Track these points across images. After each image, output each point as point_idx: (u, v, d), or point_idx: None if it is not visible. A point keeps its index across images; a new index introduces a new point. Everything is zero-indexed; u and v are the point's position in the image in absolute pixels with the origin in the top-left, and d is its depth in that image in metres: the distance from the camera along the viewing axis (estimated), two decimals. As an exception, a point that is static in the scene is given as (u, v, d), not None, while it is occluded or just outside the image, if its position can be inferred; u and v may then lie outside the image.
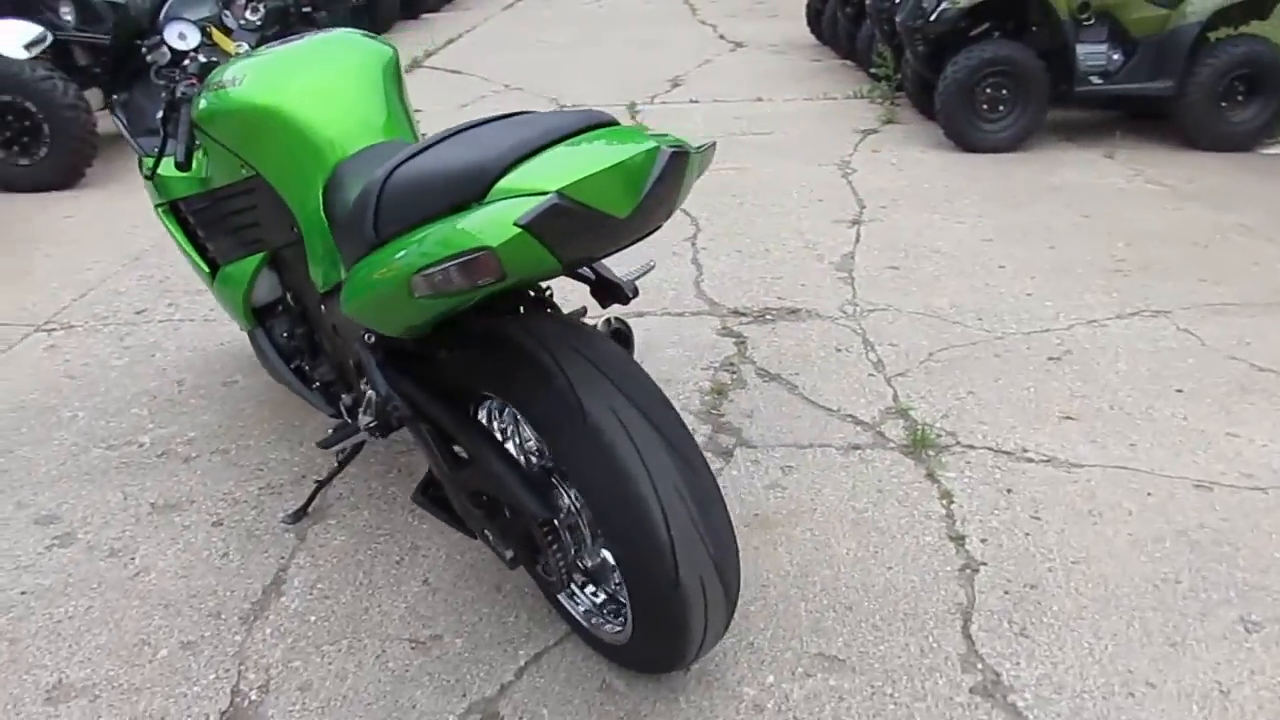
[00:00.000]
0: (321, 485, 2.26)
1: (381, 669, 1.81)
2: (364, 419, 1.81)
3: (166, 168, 2.23)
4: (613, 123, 1.43)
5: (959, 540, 2.13)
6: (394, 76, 2.09)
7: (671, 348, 3.06)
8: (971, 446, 2.49)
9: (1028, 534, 2.14)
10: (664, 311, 3.33)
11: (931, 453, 2.46)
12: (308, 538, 2.20)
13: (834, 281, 3.53)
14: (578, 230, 1.25)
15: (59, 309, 3.47)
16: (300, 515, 2.24)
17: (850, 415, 2.65)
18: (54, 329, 3.32)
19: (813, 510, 2.25)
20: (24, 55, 4.06)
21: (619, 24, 10.34)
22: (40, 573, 2.11)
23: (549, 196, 1.21)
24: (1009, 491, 2.29)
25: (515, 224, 1.22)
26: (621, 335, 1.92)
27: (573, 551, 1.67)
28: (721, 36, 9.24)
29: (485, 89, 7.22)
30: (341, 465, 2.23)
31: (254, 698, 1.76)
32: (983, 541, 2.12)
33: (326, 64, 1.99)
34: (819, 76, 7.20)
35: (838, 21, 7.45)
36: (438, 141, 1.49)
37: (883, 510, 2.24)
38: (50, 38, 4.54)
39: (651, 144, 1.27)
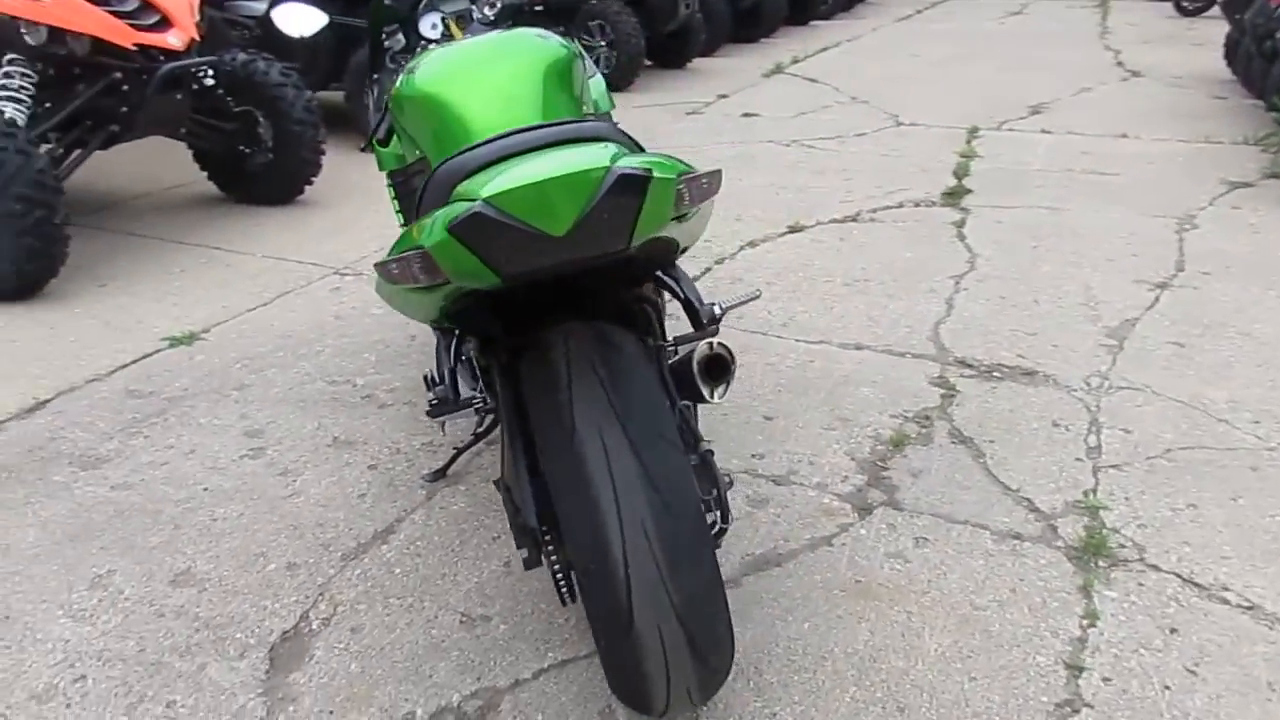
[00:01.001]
0: (460, 452, 2.41)
1: (424, 634, 1.91)
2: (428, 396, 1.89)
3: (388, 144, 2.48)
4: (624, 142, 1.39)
5: (1076, 670, 1.80)
6: (561, 73, 2.14)
7: (869, 387, 2.86)
8: (1156, 568, 2.08)
9: (1168, 688, 1.76)
10: (884, 347, 3.12)
11: (1102, 563, 2.09)
12: (434, 498, 2.35)
13: (1095, 348, 3.09)
14: (507, 242, 1.22)
15: (359, 257, 3.98)
16: (438, 476, 2.40)
17: (1027, 499, 2.32)
18: (346, 274, 3.81)
19: (924, 593, 2.01)
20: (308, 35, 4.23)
21: (1011, 43, 9.69)
22: (225, 476, 2.46)
23: (474, 204, 1.20)
24: (1172, 631, 1.89)
25: (445, 228, 1.22)
26: (713, 362, 1.83)
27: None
28: (1119, 64, 8.34)
29: (831, 99, 7.13)
30: (478, 437, 2.35)
31: (314, 627, 1.94)
32: (1105, 681, 1.78)
33: (494, 58, 2.08)
34: (1211, 116, 6.27)
35: (1251, 55, 6.42)
36: (495, 139, 1.52)
37: (1005, 613, 1.95)
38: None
39: (604, 163, 1.21)
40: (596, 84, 2.45)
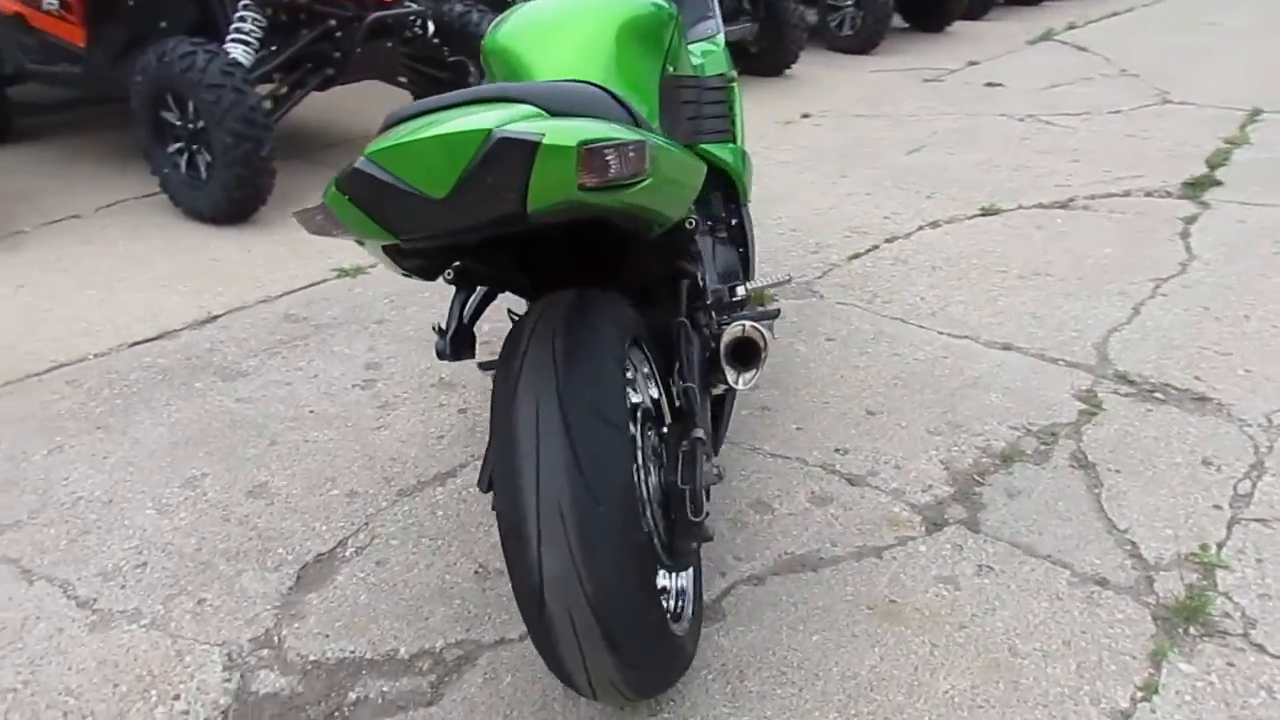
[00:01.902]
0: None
1: (438, 577, 1.96)
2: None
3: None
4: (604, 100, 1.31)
5: (1103, 746, 1.56)
6: (644, 35, 2.06)
7: (999, 393, 2.59)
8: (1261, 649, 1.74)
9: (1210, 789, 1.48)
10: (1036, 351, 2.81)
11: (1193, 631, 1.78)
12: (504, 448, 2.40)
13: (1297, 380, 2.61)
14: (391, 201, 1.18)
15: (534, 207, 4.09)
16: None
17: (1131, 543, 2.02)
18: (516, 222, 3.93)
19: (960, 627, 1.81)
20: None
21: (1345, 13, 8.29)
22: (332, 402, 2.63)
23: (358, 160, 1.18)
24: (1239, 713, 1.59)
25: (335, 183, 1.21)
26: (742, 346, 1.72)
27: None
28: None
29: (1095, 70, 6.44)
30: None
31: (347, 554, 2.04)
32: (1134, 764, 1.53)
33: (577, 16, 2.04)
34: None
35: None
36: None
37: (1046, 667, 1.71)
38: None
39: (487, 126, 1.14)
40: (705, 47, 2.35)
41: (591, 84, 1.44)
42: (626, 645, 1.39)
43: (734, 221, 2.34)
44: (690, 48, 2.32)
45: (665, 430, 1.70)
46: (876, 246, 3.61)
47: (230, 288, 3.33)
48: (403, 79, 4.61)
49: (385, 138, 1.17)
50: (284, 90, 4.15)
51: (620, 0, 2.02)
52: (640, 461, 1.52)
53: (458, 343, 1.71)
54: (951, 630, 1.80)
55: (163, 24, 4.08)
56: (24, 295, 3.32)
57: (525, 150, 1.10)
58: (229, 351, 2.92)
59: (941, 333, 2.93)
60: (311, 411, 2.58)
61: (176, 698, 1.68)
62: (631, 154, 1.20)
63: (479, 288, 1.82)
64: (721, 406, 1.90)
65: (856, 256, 3.52)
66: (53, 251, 3.68)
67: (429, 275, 1.53)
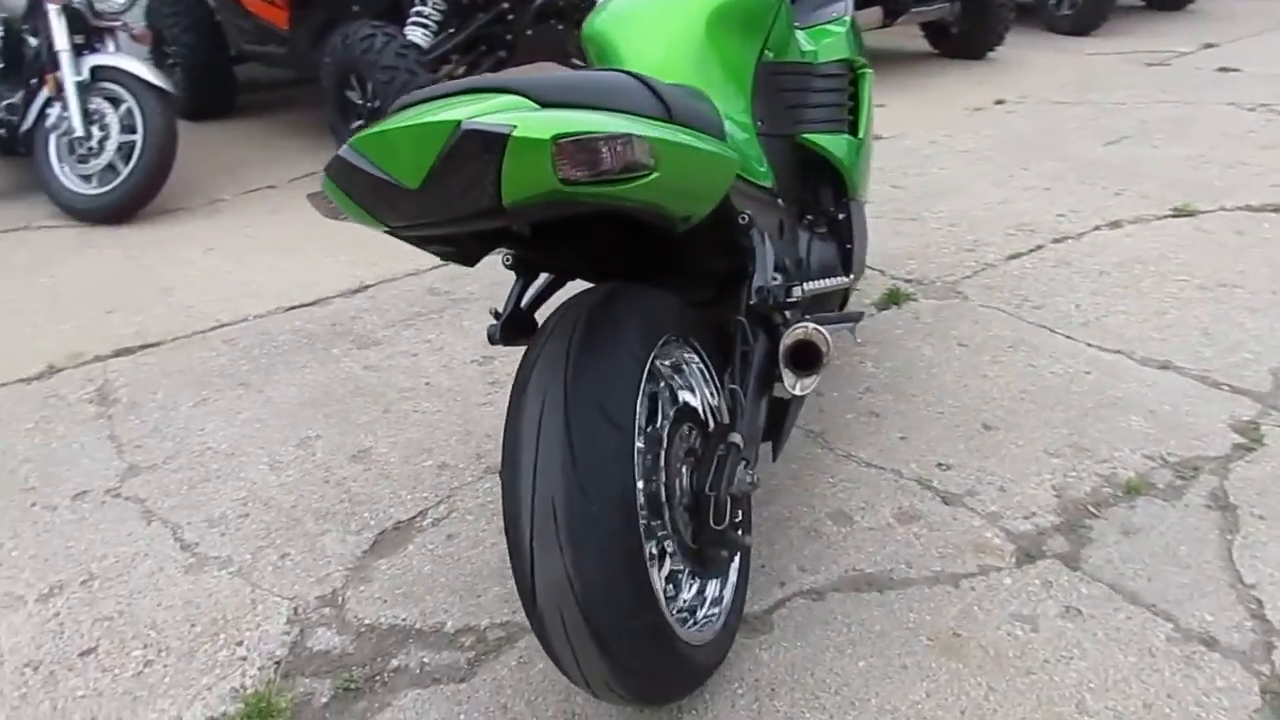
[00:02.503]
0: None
1: (499, 557, 1.99)
2: None
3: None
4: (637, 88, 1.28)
5: (1156, 828, 1.38)
6: (743, 20, 1.98)
7: (1142, 416, 2.33)
8: (1388, 742, 1.49)
9: None
10: (1199, 373, 2.51)
11: (1307, 711, 1.55)
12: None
13: None
14: (372, 190, 1.18)
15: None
16: None
17: (1255, 601, 1.77)
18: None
19: (1027, 672, 1.65)
20: None
21: None
22: (449, 374, 2.73)
23: (342, 147, 1.18)
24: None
25: (325, 169, 1.22)
26: (802, 350, 1.64)
27: None
28: None
29: (1238, 96, 5.65)
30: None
31: (424, 525, 2.11)
32: None
33: (675, 3, 1.99)
34: None
35: None
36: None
37: (1116, 728, 1.54)
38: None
39: (457, 117, 1.12)
40: (824, 32, 2.23)
41: (627, 72, 1.40)
42: (617, 648, 1.36)
43: (841, 216, 2.22)
44: (805, 33, 2.22)
45: (709, 432, 1.64)
46: (1041, 246, 3.34)
47: (386, 260, 3.52)
48: (576, 60, 4.69)
49: (373, 125, 1.19)
50: (459, 71, 4.32)
51: None
52: (658, 463, 1.48)
53: (510, 329, 1.72)
54: (1015, 674, 1.65)
55: (355, 8, 4.34)
56: (211, 258, 3.64)
57: (494, 142, 1.08)
58: (370, 321, 3.08)
59: (1090, 345, 2.68)
60: (427, 383, 2.69)
61: (240, 643, 1.80)
62: (620, 147, 1.16)
63: (544, 274, 1.82)
64: (785, 411, 1.82)
65: (1015, 256, 3.27)
66: (244, 219, 4.02)
67: (465, 261, 1.55)
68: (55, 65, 3.92)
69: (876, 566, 1.92)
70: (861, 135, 2.32)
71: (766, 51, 2.01)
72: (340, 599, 1.91)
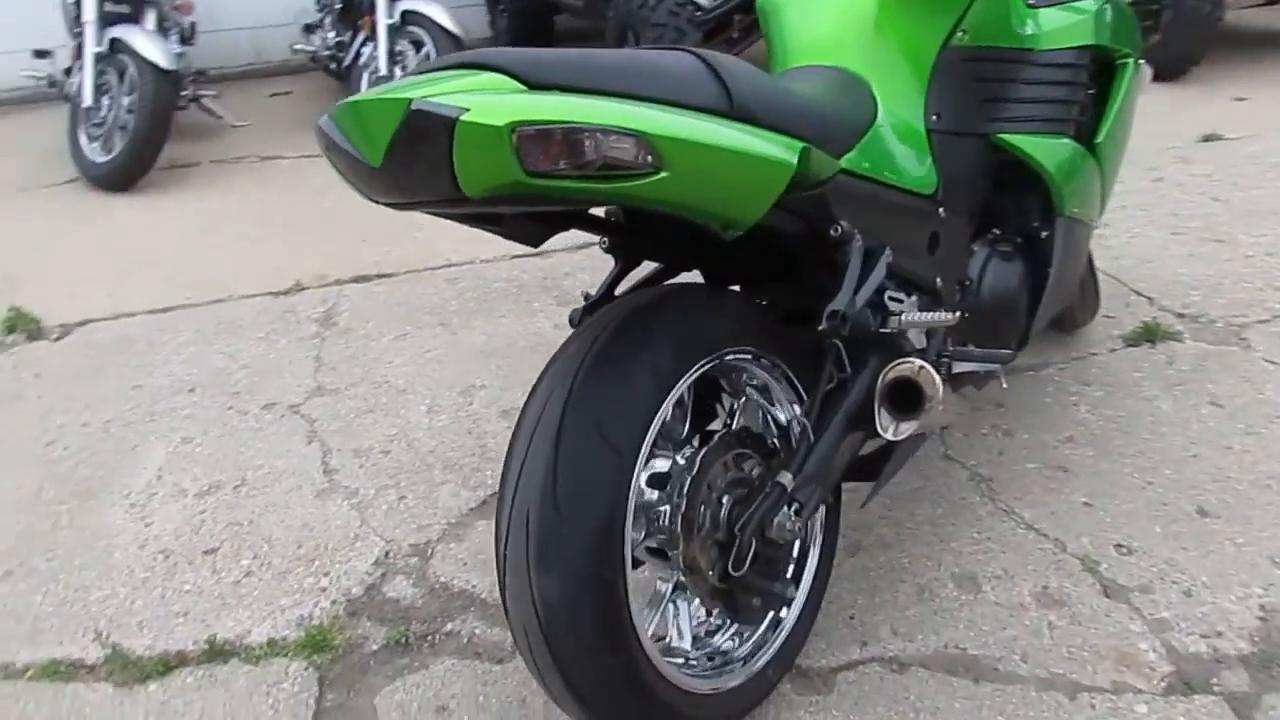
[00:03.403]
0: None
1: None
2: None
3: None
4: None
5: None
6: (931, 5, 1.69)
7: None
8: None
9: None
10: None
11: None
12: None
13: None
14: (346, 165, 1.09)
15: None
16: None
17: None
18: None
19: None
20: None
21: None
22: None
23: (323, 117, 1.10)
24: None
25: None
26: (901, 388, 1.41)
27: None
28: None
29: None
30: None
31: (535, 495, 2.10)
32: None
33: None
34: None
35: None
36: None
37: None
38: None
39: (410, 95, 1.00)
40: (1062, 11, 1.86)
41: (691, 52, 1.24)
42: (579, 684, 1.26)
43: (1044, 234, 1.87)
44: (1043, 12, 1.87)
45: (770, 466, 1.46)
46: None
47: (620, 219, 3.52)
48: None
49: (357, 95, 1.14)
50: (735, 34, 4.19)
51: None
52: (683, 490, 1.33)
53: (592, 314, 1.63)
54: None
55: (647, -38, 4.34)
56: (470, 199, 3.85)
57: (442, 126, 0.98)
58: (580, 279, 3.10)
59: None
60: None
61: (326, 574, 1.90)
62: (600, 140, 1.02)
63: (646, 262, 1.70)
64: (888, 454, 1.58)
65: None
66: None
67: (526, 242, 1.47)
68: (373, 8, 4.29)
69: (983, 650, 1.63)
70: (1100, 139, 1.94)
71: (959, 33, 1.71)
72: (429, 551, 1.94)
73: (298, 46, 4.99)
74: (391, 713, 1.58)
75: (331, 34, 4.72)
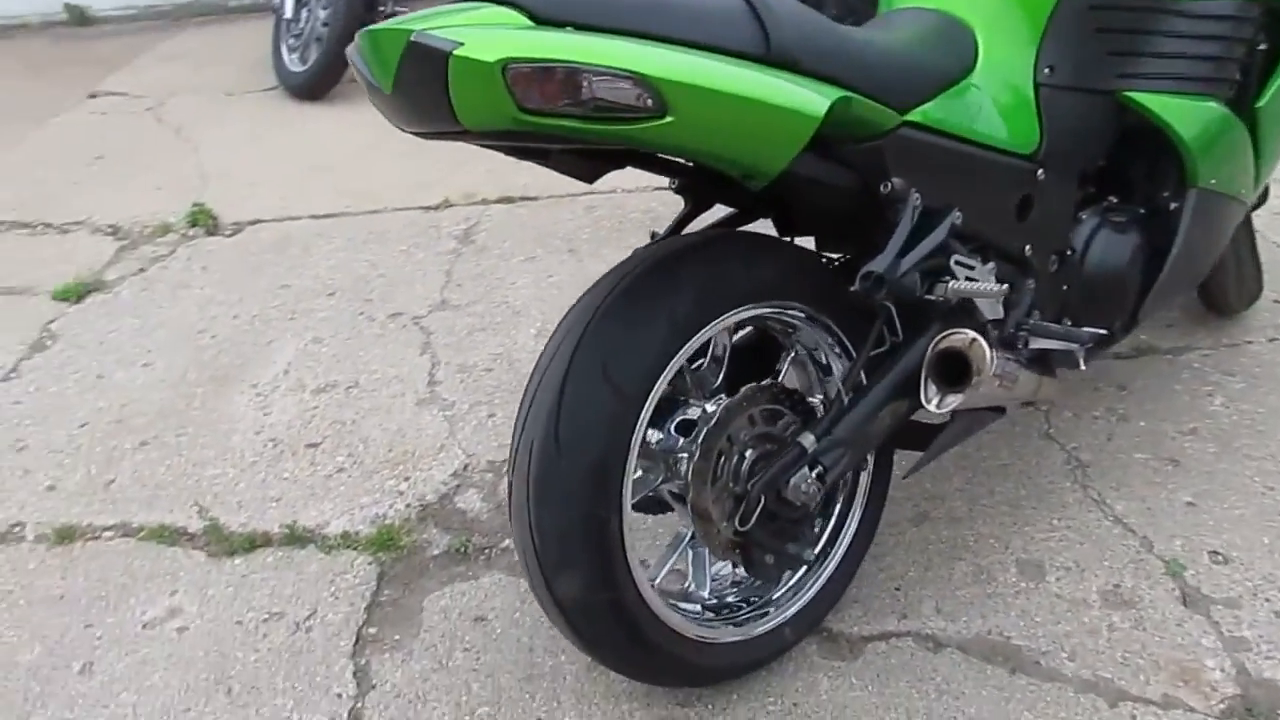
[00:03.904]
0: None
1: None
2: None
3: None
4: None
5: None
6: None
7: None
8: None
9: None
10: None
11: None
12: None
13: None
14: (370, 91, 1.11)
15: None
16: None
17: None
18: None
19: None
20: None
21: None
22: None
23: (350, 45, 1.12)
24: None
25: None
26: (950, 358, 1.35)
27: None
28: None
29: None
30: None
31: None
32: None
33: None
34: None
35: None
36: None
37: None
38: None
39: (421, 26, 1.00)
40: None
41: None
42: (574, 617, 1.30)
43: (1171, 206, 1.70)
44: None
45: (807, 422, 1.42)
46: None
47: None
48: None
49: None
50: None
51: None
52: (699, 438, 1.33)
53: None
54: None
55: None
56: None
57: (436, 59, 0.99)
58: (718, 212, 3.06)
59: None
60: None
61: (407, 479, 2.01)
62: (596, 80, 1.00)
63: (720, 205, 1.67)
64: (937, 428, 1.50)
65: None
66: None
67: (581, 177, 1.47)
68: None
69: (1028, 641, 1.55)
70: (1262, 103, 1.72)
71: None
72: (504, 470, 2.02)
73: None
74: (435, 615, 1.68)
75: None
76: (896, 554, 1.73)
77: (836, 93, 1.19)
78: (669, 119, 1.07)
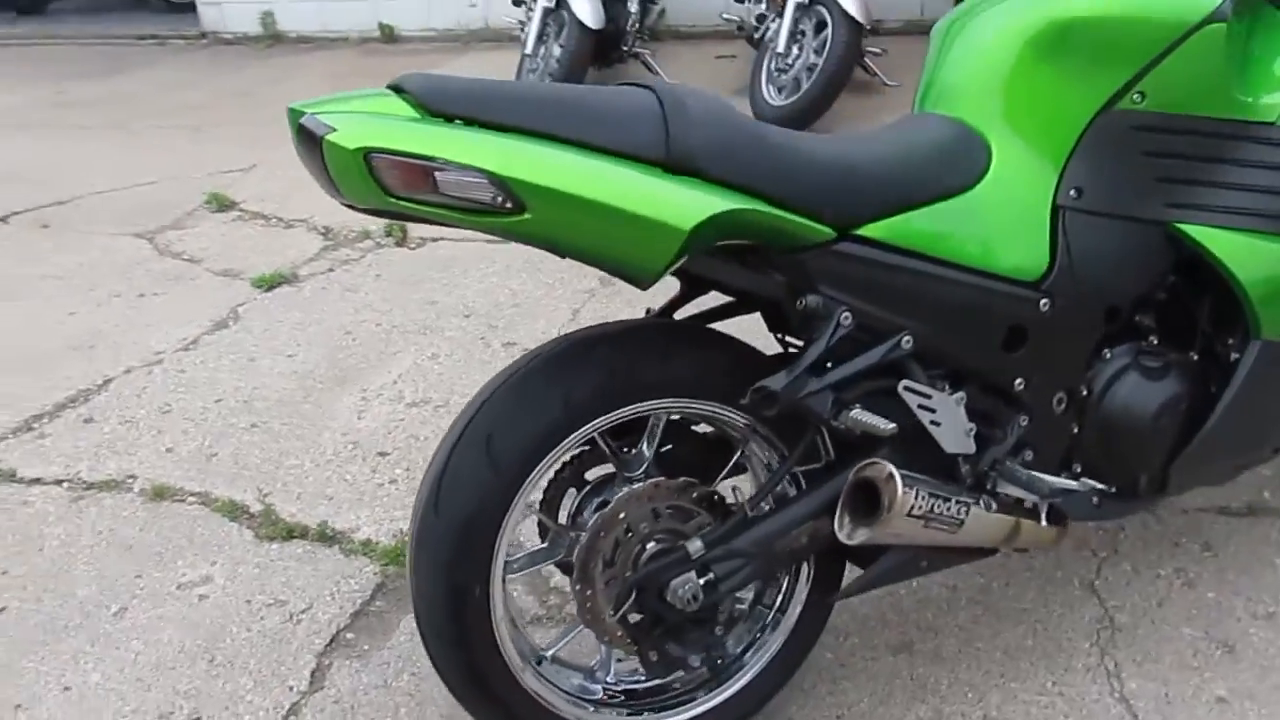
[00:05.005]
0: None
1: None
2: None
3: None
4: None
5: None
6: (1093, 59, 1.36)
7: None
8: None
9: None
10: None
11: None
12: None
13: None
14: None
15: None
16: None
17: None
18: None
19: None
20: None
21: None
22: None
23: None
24: None
25: None
26: (864, 489, 1.29)
27: None
28: None
29: None
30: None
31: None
32: None
33: (1015, 7, 1.44)
34: None
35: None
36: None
37: None
38: None
39: (314, 109, 1.07)
40: None
41: (648, 87, 1.20)
42: (434, 653, 1.35)
43: (1231, 357, 1.48)
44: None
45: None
46: None
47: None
48: None
49: None
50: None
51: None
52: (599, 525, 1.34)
53: None
54: None
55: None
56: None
57: (316, 143, 1.09)
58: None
59: None
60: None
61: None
62: (450, 176, 1.06)
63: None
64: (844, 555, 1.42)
65: None
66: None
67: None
68: (789, -17, 4.34)
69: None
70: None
71: (1133, 95, 1.38)
72: (531, 510, 2.11)
73: (726, 15, 5.21)
74: (405, 634, 1.79)
75: (759, 4, 4.86)
76: (858, 680, 1.63)
77: (730, 204, 1.17)
78: (528, 216, 1.10)
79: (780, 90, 4.42)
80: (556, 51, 4.64)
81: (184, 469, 2.29)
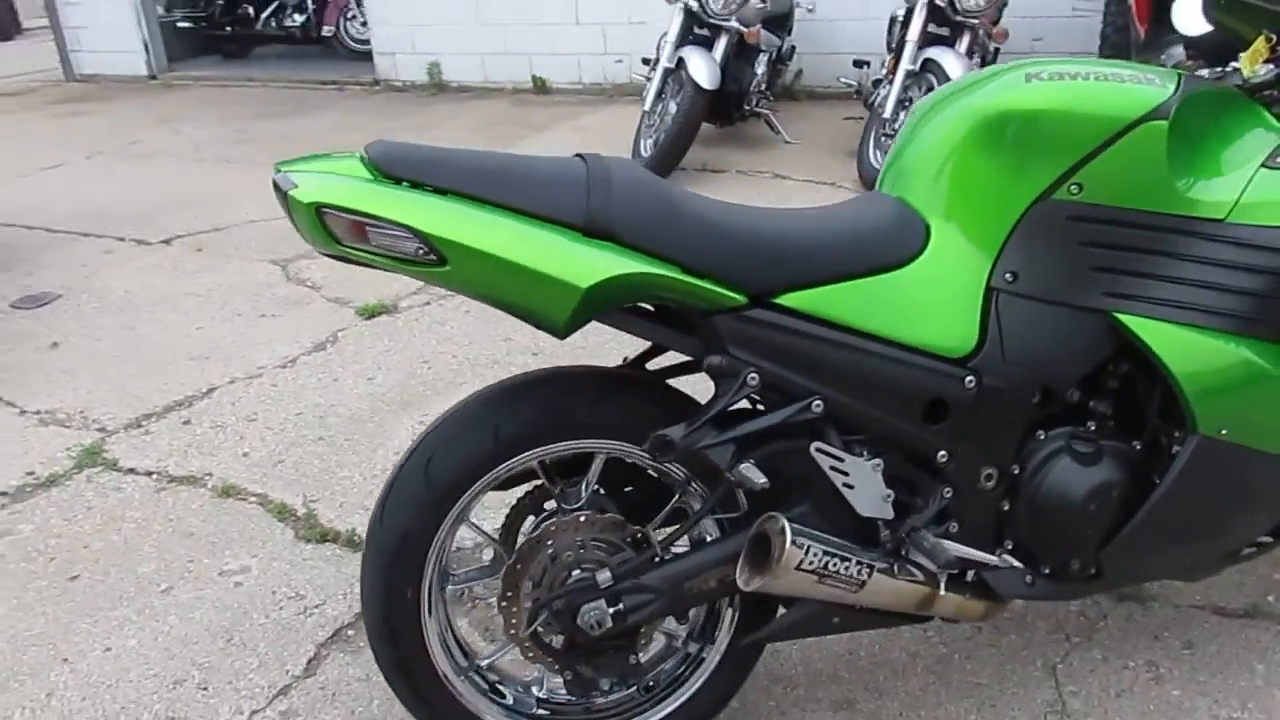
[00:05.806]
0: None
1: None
2: None
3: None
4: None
5: None
6: (1028, 152, 1.40)
7: None
8: None
9: None
10: None
11: None
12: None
13: None
14: None
15: None
16: None
17: None
18: None
19: None
20: None
21: None
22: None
23: None
24: None
25: None
26: (759, 540, 1.40)
27: None
28: None
29: None
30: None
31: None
32: None
33: (970, 91, 1.50)
34: None
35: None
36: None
37: None
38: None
39: (290, 167, 1.26)
40: None
41: (583, 157, 1.36)
42: (376, 657, 1.51)
43: (1171, 449, 1.48)
44: (1261, 175, 1.45)
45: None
46: None
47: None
48: None
49: None
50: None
51: (1048, 89, 1.46)
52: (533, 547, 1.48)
53: None
54: None
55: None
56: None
57: (282, 195, 1.29)
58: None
59: None
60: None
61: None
62: (380, 231, 1.24)
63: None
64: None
65: None
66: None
67: None
68: (900, 51, 4.41)
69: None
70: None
71: (1069, 187, 1.42)
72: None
73: (844, 79, 5.29)
74: (399, 637, 1.97)
75: (881, 69, 4.93)
76: (792, 729, 1.69)
77: (634, 268, 1.30)
78: (449, 268, 1.27)
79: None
80: (672, 109, 4.84)
81: (252, 471, 2.57)
